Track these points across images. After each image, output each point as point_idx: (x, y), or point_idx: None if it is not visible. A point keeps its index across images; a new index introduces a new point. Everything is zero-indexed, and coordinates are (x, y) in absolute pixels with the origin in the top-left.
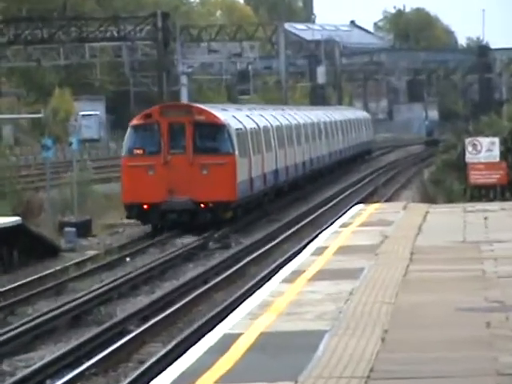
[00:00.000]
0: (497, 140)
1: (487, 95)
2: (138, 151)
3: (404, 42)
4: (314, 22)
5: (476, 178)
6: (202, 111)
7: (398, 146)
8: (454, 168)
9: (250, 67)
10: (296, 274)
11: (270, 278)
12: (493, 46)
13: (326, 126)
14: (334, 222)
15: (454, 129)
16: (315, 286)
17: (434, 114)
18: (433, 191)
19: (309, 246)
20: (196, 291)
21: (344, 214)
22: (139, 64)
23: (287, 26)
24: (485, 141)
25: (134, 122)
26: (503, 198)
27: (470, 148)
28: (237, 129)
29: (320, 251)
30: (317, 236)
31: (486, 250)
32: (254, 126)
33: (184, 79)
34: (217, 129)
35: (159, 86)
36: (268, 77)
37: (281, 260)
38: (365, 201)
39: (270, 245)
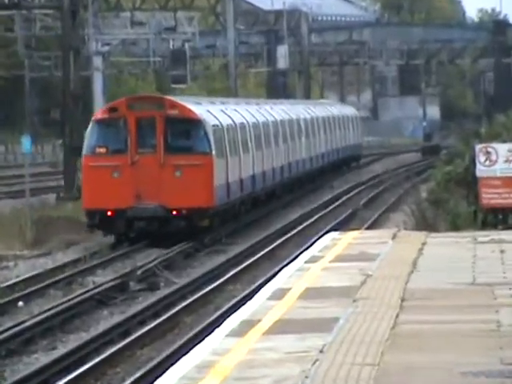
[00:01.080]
0: None
1: (506, 86)
2: (101, 150)
3: (395, 15)
4: None
5: (490, 197)
6: (175, 105)
7: (385, 154)
8: (460, 184)
9: (186, 46)
10: (247, 324)
11: (212, 331)
12: None
13: (307, 125)
14: (298, 255)
15: (461, 131)
16: (273, 342)
17: (433, 111)
18: (432, 215)
19: (265, 288)
20: (112, 347)
21: (312, 244)
22: (37, 41)
23: None
24: (502, 148)
25: (98, 116)
26: None
27: (481, 158)
28: (213, 125)
29: (280, 294)
30: (276, 274)
31: (502, 295)
32: (231, 122)
33: (98, 61)
34: (192, 125)
35: (64, 71)
36: (211, 59)
37: (227, 306)
38: (340, 227)
39: (212, 285)
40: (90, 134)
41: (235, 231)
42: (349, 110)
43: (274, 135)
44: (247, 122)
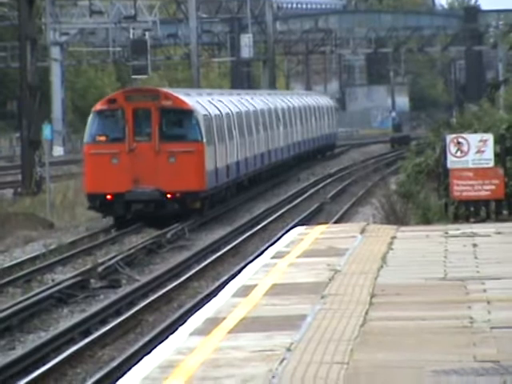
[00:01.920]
0: (490, 137)
1: (477, 75)
2: (101, 138)
3: (362, 1)
4: None
5: (462, 189)
6: (169, 96)
7: (353, 145)
8: (431, 176)
9: (147, 35)
10: (212, 322)
11: (175, 329)
12: (484, 6)
13: (285, 114)
14: (264, 251)
15: (431, 121)
16: (238, 340)
17: (403, 101)
18: (402, 208)
19: (230, 284)
20: (73, 347)
21: (279, 239)
22: None
23: None
24: (474, 138)
25: (97, 107)
26: (499, 218)
27: (453, 148)
28: (203, 115)
29: (245, 291)
30: (241, 270)
31: (474, 290)
32: (218, 112)
33: (56, 52)
34: (184, 115)
35: (21, 62)
36: (173, 49)
37: (190, 304)
38: (307, 222)
39: (175, 283)
40: (90, 124)
41: (200, 226)
42: (324, 101)
43: (255, 124)
44: (231, 111)
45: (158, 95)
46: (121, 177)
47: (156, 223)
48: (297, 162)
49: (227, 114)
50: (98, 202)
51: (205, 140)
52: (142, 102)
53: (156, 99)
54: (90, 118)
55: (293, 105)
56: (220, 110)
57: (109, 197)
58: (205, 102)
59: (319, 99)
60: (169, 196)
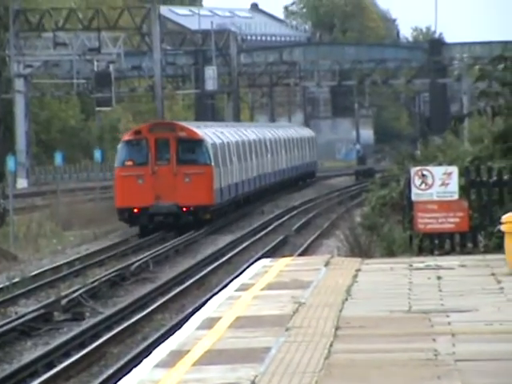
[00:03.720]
0: (455, 170)
1: (442, 108)
2: (129, 163)
3: (326, 34)
4: (201, 5)
5: (426, 222)
6: (183, 128)
7: (317, 178)
8: (395, 209)
9: (111, 67)
10: (176, 355)
11: (139, 362)
12: (449, 39)
13: (272, 144)
14: (229, 283)
15: (396, 154)
16: (203, 373)
17: (367, 133)
18: (366, 241)
19: (194, 317)
20: (37, 380)
21: (243, 271)
22: None
23: (164, 10)
24: (438, 171)
25: (126, 137)
26: (463, 251)
27: (417, 181)
28: (211, 143)
29: (210, 324)
30: (206, 302)
31: (439, 323)
32: (221, 141)
33: (20, 84)
34: (196, 143)
35: None
36: (137, 81)
37: (155, 336)
38: (271, 254)
39: (139, 315)
40: (120, 151)
41: (162, 258)
42: (306, 132)
43: (249, 152)
44: (231, 141)
45: (174, 127)
46: (145, 194)
47: (174, 230)
48: (282, 187)
49: (228, 142)
50: (126, 215)
51: (213, 164)
52: (162, 133)
53: (173, 131)
54: (120, 146)
55: (278, 136)
56: (222, 140)
57: (135, 210)
58: (211, 133)
59: (301, 131)
60: (184, 209)
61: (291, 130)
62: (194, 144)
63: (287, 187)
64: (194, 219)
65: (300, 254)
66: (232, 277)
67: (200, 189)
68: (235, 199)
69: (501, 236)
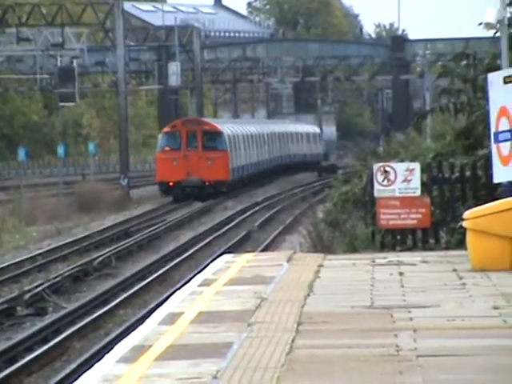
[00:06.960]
0: (417, 166)
1: (404, 104)
2: (167, 148)
3: (289, 30)
4: (165, 1)
5: (388, 218)
6: (207, 123)
7: (279, 174)
8: (357, 205)
9: (75, 63)
10: (138, 350)
11: (102, 357)
12: (412, 36)
13: (269, 137)
14: (191, 279)
15: (358, 150)
16: (165, 368)
17: (330, 130)
18: (329, 237)
19: (157, 312)
20: None
21: (205, 267)
22: None
23: (127, 5)
24: (401, 167)
25: (165, 130)
26: (425, 247)
27: (379, 177)
28: (228, 134)
29: (172, 319)
30: (168, 298)
31: (401, 319)
32: (234, 133)
33: None
34: (217, 134)
35: None
36: (100, 76)
37: (117, 331)
38: (234, 250)
39: (101, 310)
40: (161, 140)
41: (125, 253)
42: (308, 128)
43: (252, 142)
44: (240, 132)
45: (201, 122)
46: (178, 171)
47: (200, 199)
48: (286, 169)
49: (238, 133)
50: (164, 187)
51: (229, 150)
52: (191, 127)
53: (200, 125)
54: (161, 136)
55: (274, 130)
56: (234, 131)
57: (171, 184)
58: (227, 127)
59: (300, 127)
60: (207, 183)
61: (289, 125)
62: (216, 135)
63: (285, 172)
64: (213, 191)
65: (263, 250)
66: (195, 272)
67: (219, 168)
68: (243, 177)
69: (463, 232)
